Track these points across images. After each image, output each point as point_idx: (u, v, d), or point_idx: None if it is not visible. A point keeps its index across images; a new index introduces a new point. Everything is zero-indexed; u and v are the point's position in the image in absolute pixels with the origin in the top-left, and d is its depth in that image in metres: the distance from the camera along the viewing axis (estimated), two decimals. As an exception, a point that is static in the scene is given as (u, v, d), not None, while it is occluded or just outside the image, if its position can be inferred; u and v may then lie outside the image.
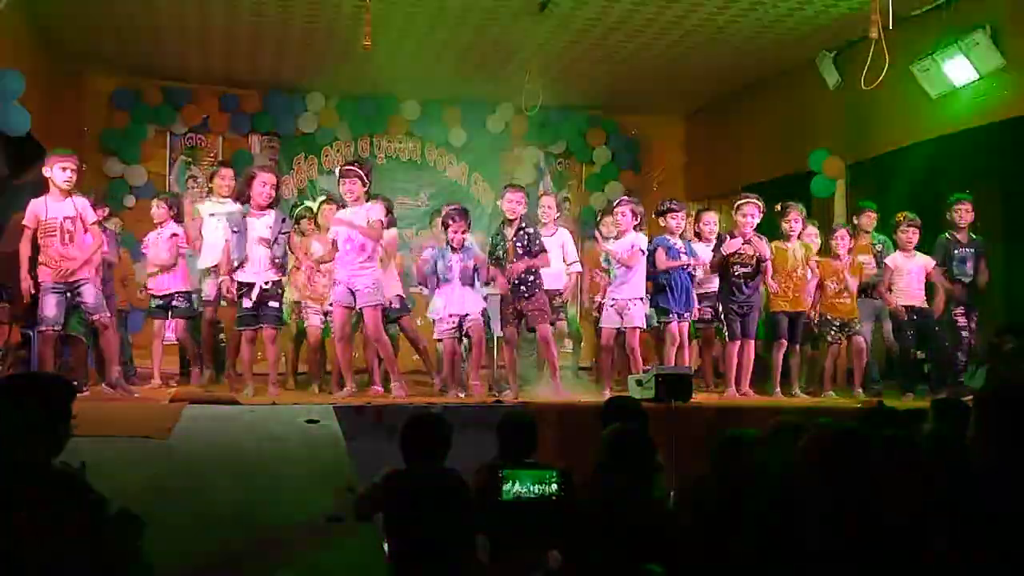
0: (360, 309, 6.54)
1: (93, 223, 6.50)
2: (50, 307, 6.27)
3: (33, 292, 6.32)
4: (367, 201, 6.61)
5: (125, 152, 10.33)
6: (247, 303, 6.61)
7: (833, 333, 7.63)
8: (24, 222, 6.36)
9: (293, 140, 11.11)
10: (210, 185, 7.19)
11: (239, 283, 6.62)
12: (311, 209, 7.82)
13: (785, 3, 7.96)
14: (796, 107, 9.69)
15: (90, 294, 6.37)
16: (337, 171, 6.85)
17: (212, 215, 6.97)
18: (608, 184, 11.67)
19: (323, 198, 7.55)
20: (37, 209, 6.32)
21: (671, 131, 12.09)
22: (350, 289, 6.50)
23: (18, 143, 8.04)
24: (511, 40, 8.98)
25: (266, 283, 6.62)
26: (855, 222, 8.08)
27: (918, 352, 7.66)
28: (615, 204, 7.59)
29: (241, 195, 6.78)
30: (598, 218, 8.60)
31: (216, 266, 6.92)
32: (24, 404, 2.63)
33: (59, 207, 6.33)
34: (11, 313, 8.41)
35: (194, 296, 7.47)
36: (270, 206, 6.72)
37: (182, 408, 5.63)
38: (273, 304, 6.71)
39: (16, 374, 5.05)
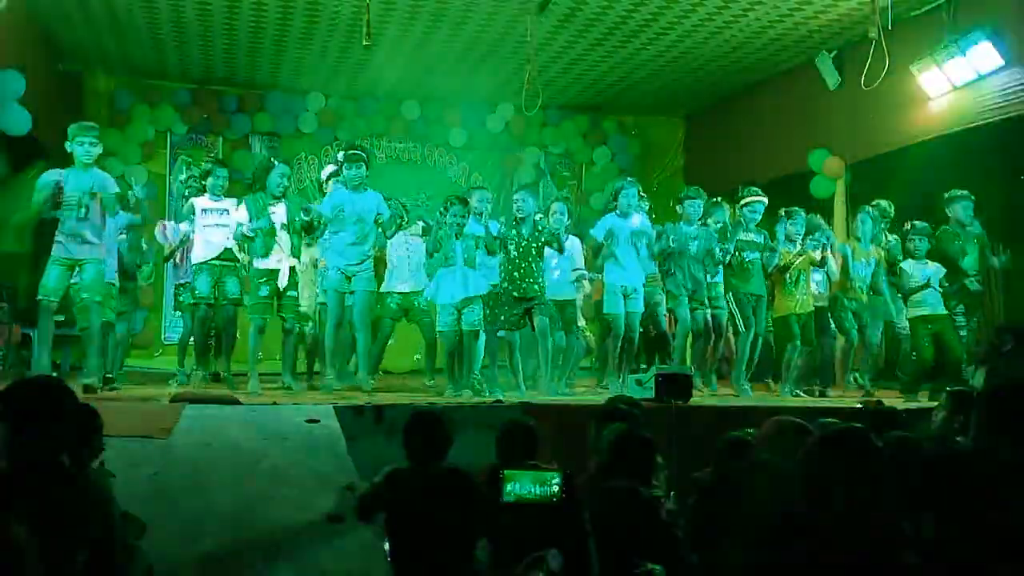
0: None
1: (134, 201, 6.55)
2: (52, 278, 6.19)
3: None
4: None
5: (125, 152, 10.32)
6: (264, 291, 6.63)
7: (848, 321, 7.64)
8: (41, 189, 6.25)
9: (293, 140, 11.10)
10: (203, 183, 7.17)
11: (260, 270, 6.64)
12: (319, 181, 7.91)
13: (785, 3, 7.96)
14: (796, 107, 9.69)
15: (90, 272, 6.26)
16: (343, 155, 6.88)
17: (205, 211, 6.98)
18: (608, 184, 11.64)
19: (332, 170, 7.57)
20: (55, 177, 6.22)
21: (671, 131, 12.09)
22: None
23: (18, 143, 8.05)
24: (511, 40, 8.98)
25: (291, 268, 6.69)
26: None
27: (914, 355, 7.66)
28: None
29: (258, 182, 6.81)
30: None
31: (205, 262, 6.93)
32: (19, 406, 2.62)
33: (78, 180, 6.26)
34: (11, 313, 8.43)
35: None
36: (278, 197, 6.79)
37: (182, 408, 5.62)
38: (292, 293, 6.74)
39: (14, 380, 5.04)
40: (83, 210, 6.20)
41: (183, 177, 8.13)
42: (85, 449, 3.13)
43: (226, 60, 9.87)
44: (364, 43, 7.00)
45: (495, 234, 6.73)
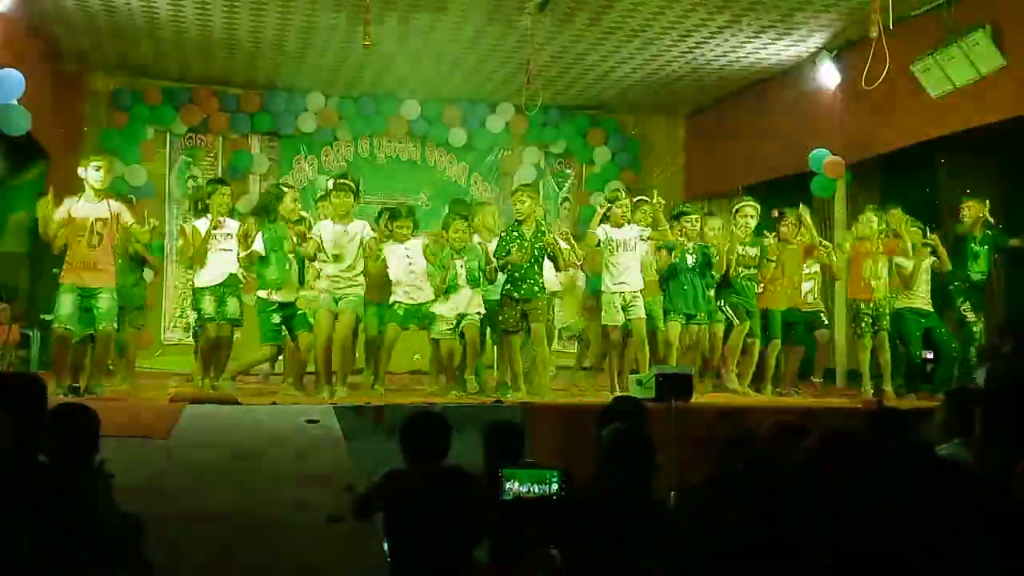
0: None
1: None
2: (66, 306, 6.33)
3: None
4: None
5: (125, 152, 10.31)
6: (276, 319, 6.79)
7: (863, 326, 7.62)
8: (56, 216, 6.37)
9: (293, 140, 11.10)
10: (207, 202, 7.15)
11: (269, 301, 6.78)
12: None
13: (785, 3, 7.95)
14: (796, 107, 9.68)
15: (105, 301, 6.45)
16: (332, 183, 6.99)
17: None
18: (608, 184, 11.65)
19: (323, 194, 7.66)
20: (69, 205, 6.38)
21: (671, 131, 12.07)
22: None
23: (18, 143, 8.05)
24: (511, 40, 8.98)
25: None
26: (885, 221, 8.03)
27: (924, 353, 7.67)
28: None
29: (270, 211, 6.86)
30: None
31: (209, 286, 6.96)
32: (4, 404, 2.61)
33: (92, 208, 6.41)
34: (11, 313, 8.44)
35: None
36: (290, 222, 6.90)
37: (182, 408, 5.63)
38: (301, 312, 6.94)
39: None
40: (96, 237, 6.36)
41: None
42: (74, 449, 3.12)
43: (226, 60, 9.86)
44: (364, 43, 7.01)
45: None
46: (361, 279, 6.90)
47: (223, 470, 4.54)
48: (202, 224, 6.98)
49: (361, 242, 6.80)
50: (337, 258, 6.75)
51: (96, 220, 6.39)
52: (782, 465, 2.87)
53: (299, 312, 6.91)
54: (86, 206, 6.42)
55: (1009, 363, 6.92)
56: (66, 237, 6.39)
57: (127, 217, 6.59)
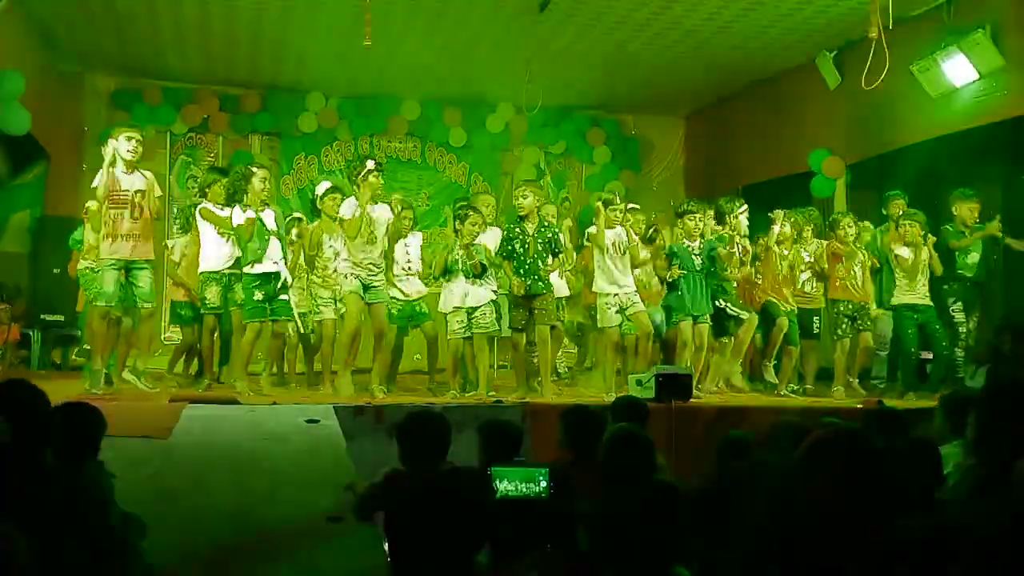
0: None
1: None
2: (109, 283, 6.28)
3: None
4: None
5: (125, 152, 10.30)
6: (259, 296, 6.63)
7: (844, 327, 7.63)
8: (97, 198, 6.37)
9: (293, 140, 11.10)
10: (207, 190, 7.15)
11: (255, 275, 6.63)
12: (300, 220, 7.83)
13: (785, 3, 7.96)
14: (796, 107, 9.68)
15: (146, 279, 6.41)
16: (373, 164, 7.00)
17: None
18: (608, 184, 11.66)
19: (328, 187, 7.68)
20: (106, 180, 6.28)
21: (671, 131, 12.08)
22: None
23: (18, 143, 8.06)
24: (511, 40, 8.98)
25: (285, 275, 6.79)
26: (884, 212, 8.06)
27: (922, 352, 7.67)
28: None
29: (239, 192, 6.75)
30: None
31: (215, 271, 6.93)
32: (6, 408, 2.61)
33: (130, 179, 6.36)
34: (11, 313, 8.46)
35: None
36: (264, 202, 6.81)
37: (182, 408, 5.63)
38: (284, 297, 6.79)
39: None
40: (137, 209, 6.31)
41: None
42: (78, 448, 3.12)
43: (226, 60, 9.86)
44: (364, 43, 7.01)
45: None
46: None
47: (223, 470, 4.54)
48: (237, 215, 6.93)
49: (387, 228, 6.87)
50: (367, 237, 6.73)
51: (136, 192, 6.33)
52: (782, 465, 2.87)
53: (281, 298, 6.77)
54: (124, 178, 6.32)
55: (1009, 363, 6.92)
56: (106, 212, 6.32)
57: (157, 190, 6.55)
